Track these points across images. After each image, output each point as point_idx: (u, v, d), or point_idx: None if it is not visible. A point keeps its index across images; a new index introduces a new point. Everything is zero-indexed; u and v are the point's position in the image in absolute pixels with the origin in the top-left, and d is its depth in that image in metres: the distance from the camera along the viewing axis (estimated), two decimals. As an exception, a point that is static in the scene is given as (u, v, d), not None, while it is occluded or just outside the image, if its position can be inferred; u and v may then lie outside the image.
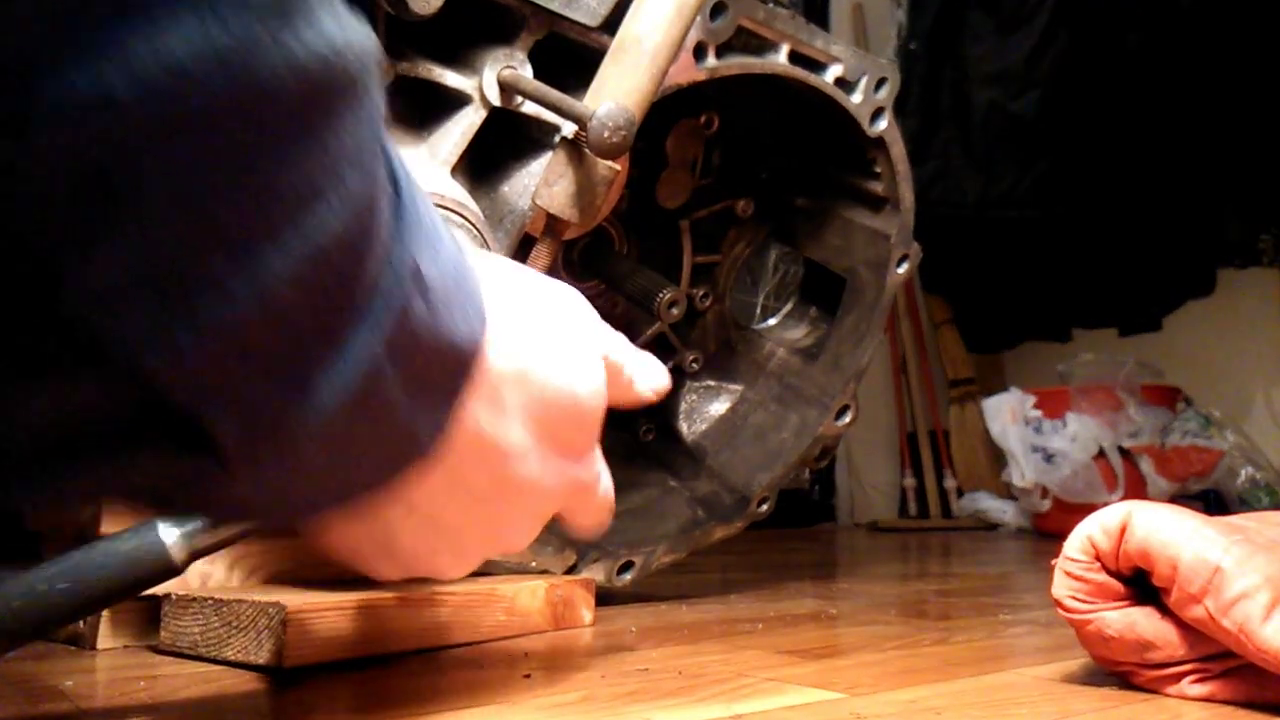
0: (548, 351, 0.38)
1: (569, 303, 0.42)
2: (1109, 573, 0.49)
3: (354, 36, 0.24)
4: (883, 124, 0.84)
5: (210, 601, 0.56)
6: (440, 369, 0.31)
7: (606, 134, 0.58)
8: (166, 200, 0.21)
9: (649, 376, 0.49)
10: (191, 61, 0.20)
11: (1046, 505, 1.86)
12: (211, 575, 0.62)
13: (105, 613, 0.60)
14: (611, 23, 0.67)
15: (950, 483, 2.33)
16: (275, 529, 0.40)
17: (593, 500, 0.47)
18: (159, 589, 0.59)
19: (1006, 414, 1.91)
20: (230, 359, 0.24)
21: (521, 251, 0.64)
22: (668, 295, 0.83)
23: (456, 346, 0.31)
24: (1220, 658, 0.47)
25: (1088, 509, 0.52)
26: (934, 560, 1.43)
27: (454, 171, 0.66)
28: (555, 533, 0.76)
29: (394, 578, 0.40)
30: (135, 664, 0.56)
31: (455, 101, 0.66)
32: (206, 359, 0.24)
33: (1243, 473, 1.77)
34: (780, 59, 0.77)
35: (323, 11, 0.23)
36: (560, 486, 0.41)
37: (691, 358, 0.95)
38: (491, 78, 0.66)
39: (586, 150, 0.60)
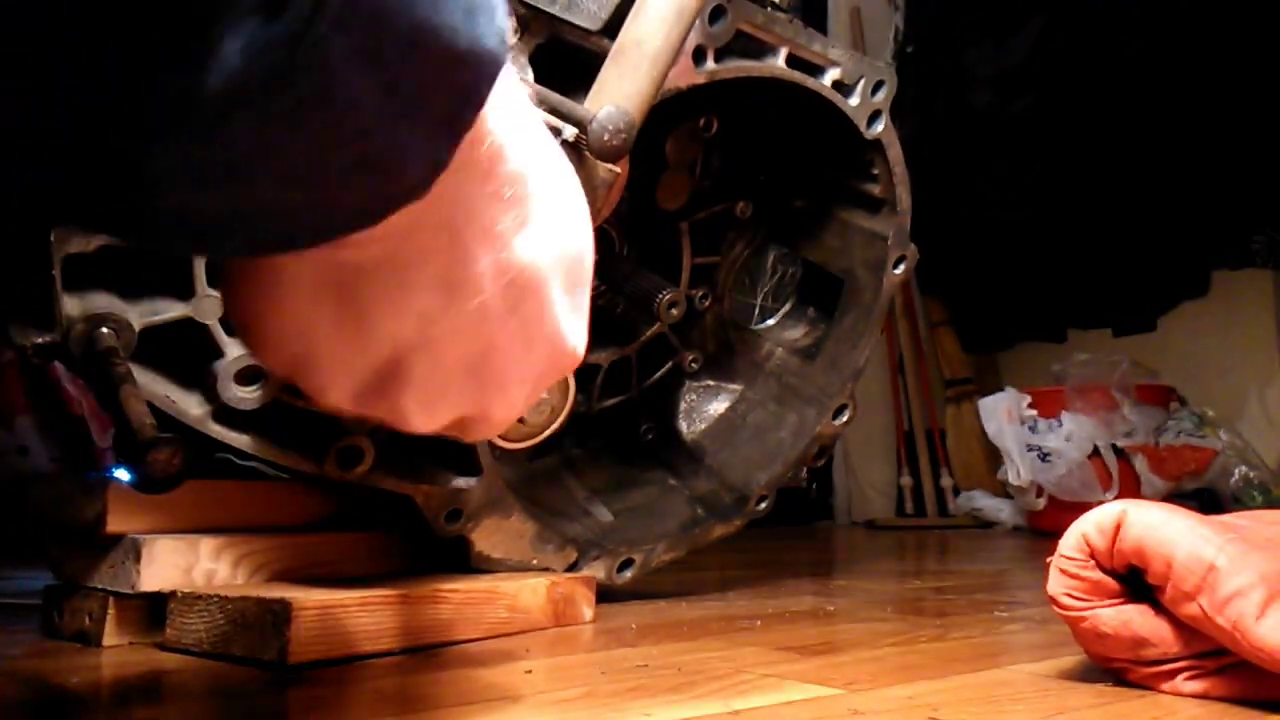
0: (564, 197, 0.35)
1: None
2: (1104, 570, 0.50)
3: None
4: (880, 126, 0.84)
5: (216, 599, 0.56)
6: (428, 68, 0.25)
7: (607, 137, 0.59)
8: None
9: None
10: None
11: (1042, 504, 1.87)
12: (217, 573, 0.63)
13: (111, 610, 0.61)
14: (612, 27, 0.67)
15: (947, 481, 2.33)
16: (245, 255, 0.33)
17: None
18: (164, 586, 0.59)
19: (1002, 413, 1.91)
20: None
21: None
22: (667, 296, 0.84)
23: (449, 45, 0.25)
24: (1214, 655, 0.47)
25: (1083, 507, 0.53)
26: (931, 558, 1.44)
27: (456, 173, 0.66)
28: (557, 531, 0.76)
29: (344, 399, 0.34)
30: (141, 661, 0.57)
31: (457, 104, 0.67)
32: None
33: (1236, 472, 1.78)
34: (779, 62, 0.78)
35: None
36: (508, 386, 0.36)
37: (691, 358, 0.96)
38: (493, 80, 0.66)
39: (587, 153, 0.60)
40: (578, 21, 0.68)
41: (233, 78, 0.22)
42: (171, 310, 0.58)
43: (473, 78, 0.27)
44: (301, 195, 0.26)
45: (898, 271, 0.89)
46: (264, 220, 0.27)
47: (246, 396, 0.60)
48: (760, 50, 0.77)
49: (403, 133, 0.26)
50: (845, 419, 0.90)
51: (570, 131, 0.61)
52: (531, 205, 0.34)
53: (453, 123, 0.27)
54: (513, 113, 0.32)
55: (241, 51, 0.22)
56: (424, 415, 0.35)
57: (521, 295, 0.34)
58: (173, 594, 0.59)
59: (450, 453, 0.69)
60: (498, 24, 0.27)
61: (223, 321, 0.59)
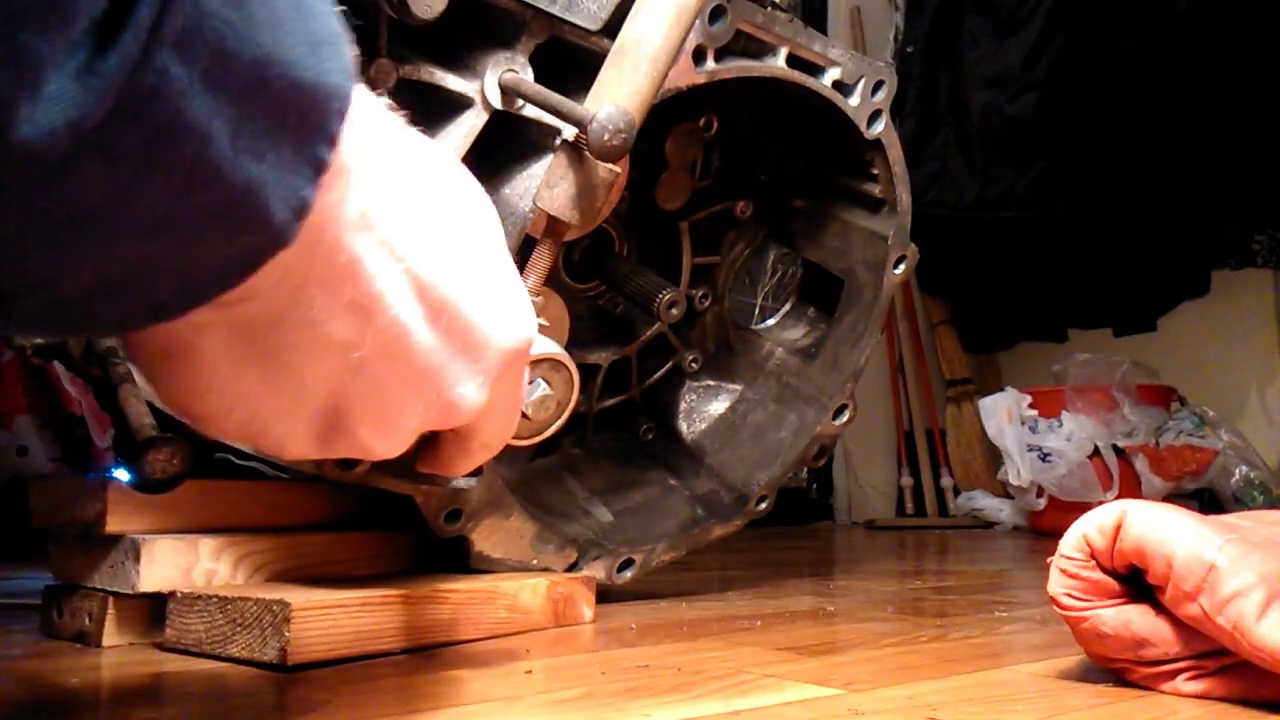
0: (441, 234, 0.34)
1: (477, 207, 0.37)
2: (1104, 570, 0.50)
3: None
4: (880, 126, 0.84)
5: (215, 599, 0.56)
6: (277, 102, 0.25)
7: (607, 137, 0.59)
8: None
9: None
10: None
11: (1042, 504, 1.87)
12: (216, 573, 0.63)
13: (110, 610, 0.61)
14: (612, 26, 0.67)
15: (947, 481, 2.33)
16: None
17: (490, 428, 0.41)
18: (163, 586, 0.59)
19: (1003, 413, 1.91)
20: None
21: (523, 253, 0.65)
22: (667, 296, 0.84)
23: (296, 78, 0.25)
24: (1215, 655, 0.47)
25: (1083, 508, 0.53)
26: (931, 558, 1.44)
27: (456, 173, 0.66)
28: (557, 531, 0.76)
29: (305, 449, 0.34)
30: (140, 661, 0.57)
31: (457, 104, 0.67)
32: None
33: (1237, 472, 1.78)
34: (779, 62, 0.78)
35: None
36: (446, 390, 0.35)
37: (691, 358, 0.96)
38: (493, 81, 0.66)
39: (587, 153, 0.60)
40: (577, 21, 0.68)
41: (73, 113, 0.21)
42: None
43: (323, 113, 0.26)
44: (164, 250, 0.25)
45: (898, 271, 0.89)
46: (131, 286, 0.26)
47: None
48: (760, 50, 0.77)
49: (259, 172, 0.25)
50: (845, 419, 0.90)
51: (570, 131, 0.61)
52: (418, 218, 0.33)
53: (310, 160, 0.27)
54: (379, 140, 0.32)
55: (77, 81, 0.21)
56: (385, 440, 0.35)
57: (436, 295, 0.34)
58: (172, 594, 0.59)
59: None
60: (342, 59, 0.27)
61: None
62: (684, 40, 0.65)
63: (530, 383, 0.52)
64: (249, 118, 0.24)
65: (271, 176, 0.25)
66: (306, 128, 0.26)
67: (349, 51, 0.27)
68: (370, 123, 0.31)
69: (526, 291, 0.59)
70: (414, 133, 0.34)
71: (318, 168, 0.27)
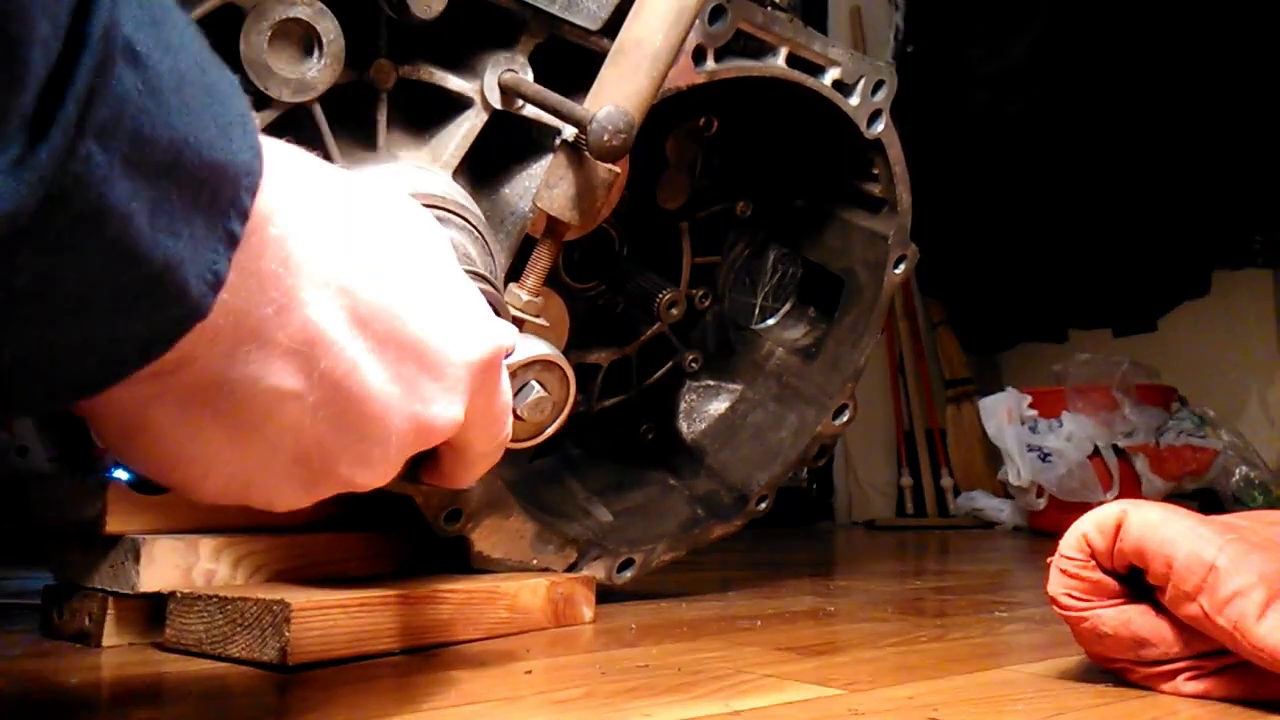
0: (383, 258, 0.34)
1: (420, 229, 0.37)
2: (1104, 570, 0.50)
3: None
4: (880, 126, 0.84)
5: (215, 599, 0.56)
6: (190, 181, 0.26)
7: (606, 137, 0.59)
8: None
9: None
10: None
11: (1042, 504, 1.87)
12: (216, 573, 0.63)
13: (110, 610, 0.61)
14: (612, 26, 0.67)
15: (947, 481, 2.33)
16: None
17: (478, 444, 0.41)
18: (163, 586, 0.59)
19: (1003, 413, 1.91)
20: None
21: (522, 253, 0.65)
22: (667, 296, 0.84)
23: (208, 158, 0.27)
24: (1215, 655, 0.47)
25: (1083, 508, 0.53)
26: (931, 558, 1.44)
27: (455, 174, 0.66)
28: (557, 531, 0.76)
29: (295, 498, 0.35)
30: (140, 661, 0.57)
31: (457, 105, 0.67)
32: None
33: (1237, 472, 1.78)
34: (779, 62, 0.78)
35: None
36: (414, 412, 0.35)
37: (691, 358, 0.96)
38: (493, 81, 0.66)
39: (586, 153, 0.60)
40: (577, 21, 0.68)
41: (7, 206, 0.22)
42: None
43: (234, 189, 0.28)
44: (86, 328, 0.26)
45: (898, 271, 0.89)
46: (52, 365, 0.27)
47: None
48: (760, 50, 0.77)
49: (176, 249, 0.26)
50: (845, 419, 0.90)
51: (570, 132, 0.61)
52: (350, 254, 0.33)
53: (222, 235, 0.28)
54: (301, 190, 0.32)
55: (11, 176, 0.22)
56: (368, 472, 0.35)
57: (380, 324, 0.34)
58: (172, 594, 0.59)
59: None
60: (250, 137, 0.29)
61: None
62: (684, 40, 0.65)
63: (523, 386, 0.52)
64: (165, 197, 0.26)
65: (188, 253, 0.27)
66: (219, 204, 0.28)
67: (255, 130, 0.29)
68: (286, 171, 0.32)
69: (527, 291, 0.59)
70: (344, 173, 0.35)
71: (230, 241, 0.28)
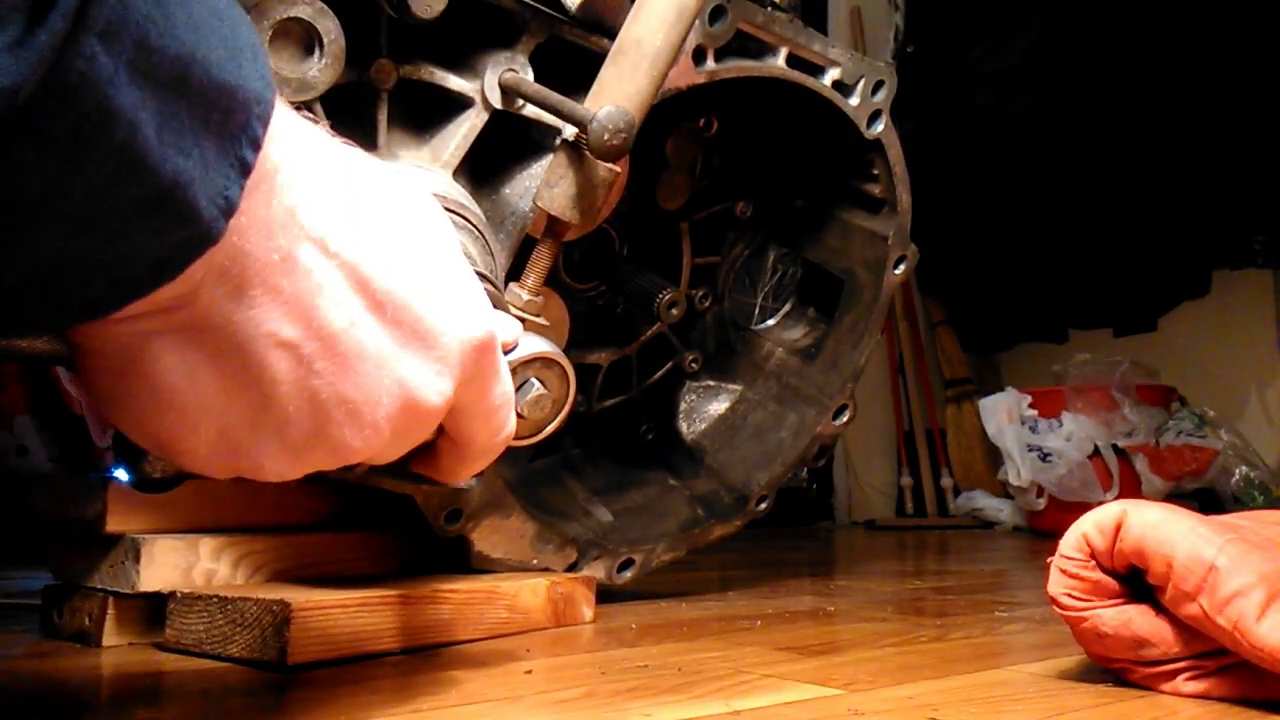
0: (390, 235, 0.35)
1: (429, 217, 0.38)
2: (1104, 570, 0.50)
3: None
4: (880, 126, 0.84)
5: (215, 599, 0.56)
6: (200, 99, 0.26)
7: (607, 137, 0.58)
8: None
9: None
10: None
11: (1042, 504, 1.87)
12: (217, 573, 0.63)
13: (110, 610, 0.61)
14: (590, 15, 0.67)
15: (947, 481, 2.33)
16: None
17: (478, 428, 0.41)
18: (163, 586, 0.59)
19: (1003, 413, 1.91)
20: None
21: (523, 253, 0.65)
22: (667, 296, 0.84)
23: (217, 78, 0.26)
24: (1215, 655, 0.47)
25: (1083, 508, 0.53)
26: (931, 558, 1.44)
27: (455, 174, 0.66)
28: (557, 531, 0.76)
29: (284, 467, 0.34)
30: (140, 661, 0.57)
31: (457, 104, 0.67)
32: None
33: (1237, 472, 1.78)
34: (779, 62, 0.78)
35: None
36: (404, 378, 0.35)
37: (691, 358, 0.96)
38: (493, 81, 0.66)
39: (587, 152, 0.60)
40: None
41: (6, 81, 0.22)
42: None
43: (245, 115, 0.28)
44: (97, 243, 0.26)
45: (898, 271, 0.89)
46: (64, 280, 0.27)
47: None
48: (760, 50, 0.77)
49: (186, 167, 0.26)
50: (845, 419, 0.90)
51: (570, 131, 0.61)
52: (351, 217, 0.34)
53: (234, 161, 0.28)
54: (306, 144, 0.32)
55: (9, 54, 0.22)
56: (360, 435, 0.35)
57: (377, 287, 0.34)
58: (172, 594, 0.59)
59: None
60: (261, 66, 0.28)
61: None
62: (684, 40, 0.64)
63: (523, 383, 0.52)
64: (173, 112, 0.26)
65: (198, 173, 0.27)
66: (230, 128, 0.27)
67: (265, 62, 0.29)
68: (296, 128, 0.32)
69: (528, 291, 0.59)
70: (344, 143, 0.35)
71: (242, 169, 0.28)
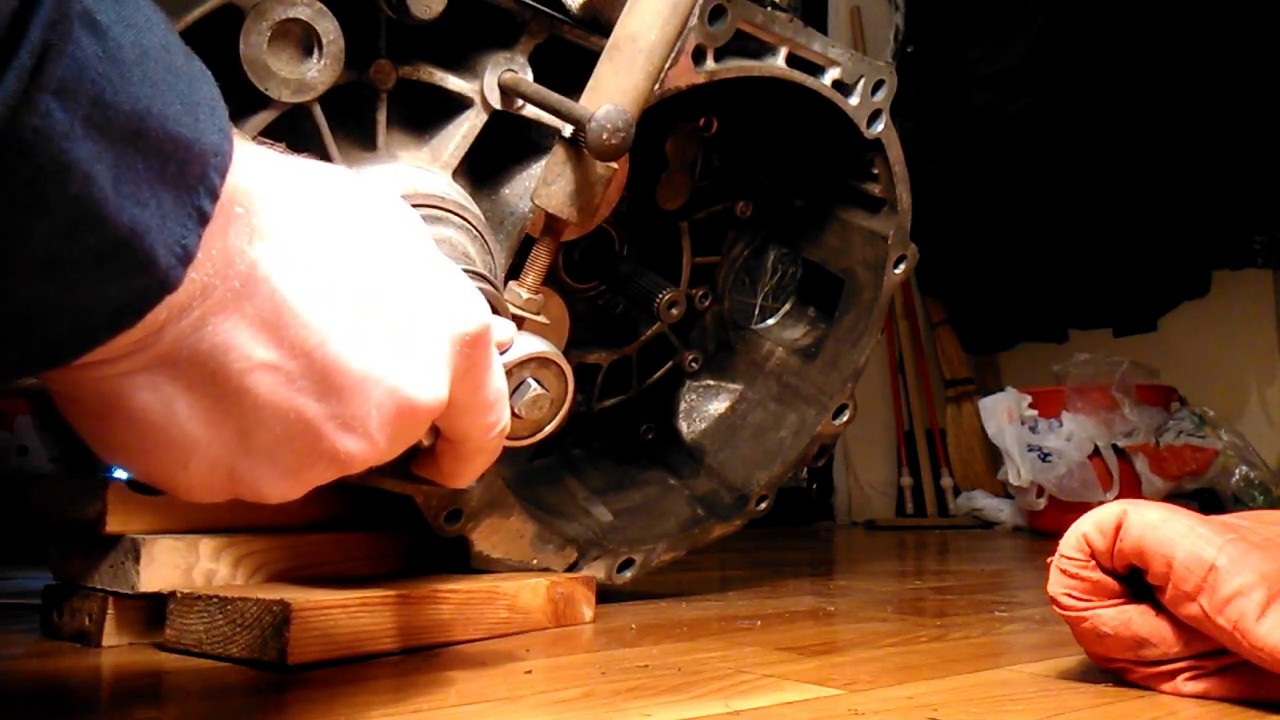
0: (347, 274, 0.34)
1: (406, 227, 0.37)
2: (1104, 570, 0.50)
3: None
4: (880, 126, 0.84)
5: (215, 599, 0.56)
6: (155, 153, 0.27)
7: (606, 136, 0.58)
8: None
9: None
10: None
11: (1042, 504, 1.87)
12: (217, 573, 0.63)
13: (110, 610, 0.61)
14: (590, 15, 0.67)
15: (947, 481, 2.33)
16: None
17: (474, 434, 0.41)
18: (163, 586, 0.59)
19: (1003, 413, 1.91)
20: None
21: (522, 253, 0.65)
22: (667, 296, 0.84)
23: (173, 131, 0.27)
24: (1215, 655, 0.47)
25: (1083, 508, 0.53)
26: (931, 558, 1.44)
27: (455, 174, 0.66)
28: (557, 531, 0.76)
29: (285, 488, 0.35)
30: (140, 661, 0.57)
31: (457, 105, 0.67)
32: None
33: (1237, 472, 1.78)
34: (779, 62, 0.78)
35: None
36: (395, 385, 0.35)
37: (691, 358, 0.96)
38: (492, 81, 0.66)
39: (586, 151, 0.60)
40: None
41: None
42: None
43: (202, 167, 0.28)
44: (56, 291, 0.26)
45: (898, 271, 0.89)
46: (25, 327, 0.27)
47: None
48: (760, 50, 0.77)
49: (143, 217, 0.27)
50: (845, 419, 0.90)
51: (569, 130, 0.61)
52: (324, 231, 0.34)
53: (192, 211, 0.28)
54: (268, 176, 0.32)
55: None
56: (355, 440, 0.35)
57: (354, 289, 0.34)
58: (172, 594, 0.59)
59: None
60: (219, 120, 0.29)
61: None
62: (680, 35, 0.64)
63: (520, 383, 0.52)
64: (129, 165, 0.26)
65: (155, 223, 0.27)
66: (187, 179, 0.28)
67: (225, 114, 0.30)
68: (258, 159, 0.32)
69: (527, 289, 0.59)
70: (320, 164, 0.36)
71: (200, 218, 0.29)
